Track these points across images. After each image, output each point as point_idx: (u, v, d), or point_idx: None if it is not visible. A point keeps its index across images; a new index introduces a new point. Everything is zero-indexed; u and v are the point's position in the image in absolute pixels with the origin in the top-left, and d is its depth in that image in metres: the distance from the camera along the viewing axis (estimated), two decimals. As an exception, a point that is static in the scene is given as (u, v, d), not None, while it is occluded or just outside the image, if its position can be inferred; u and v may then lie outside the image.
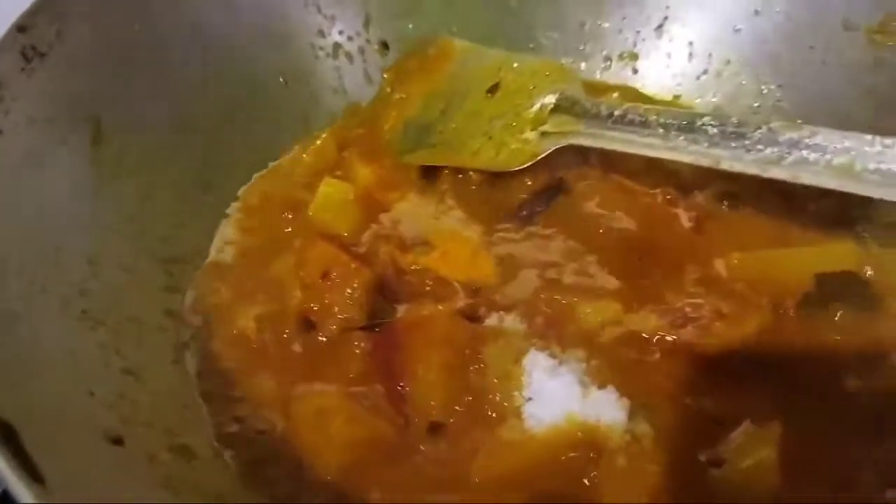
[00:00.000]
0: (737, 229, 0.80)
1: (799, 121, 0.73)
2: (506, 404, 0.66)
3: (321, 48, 0.95)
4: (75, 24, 0.70)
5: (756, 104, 0.93)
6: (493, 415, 0.65)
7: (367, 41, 0.97)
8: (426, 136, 0.89)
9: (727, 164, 0.71)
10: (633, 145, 0.77)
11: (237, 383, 0.69)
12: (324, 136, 0.90)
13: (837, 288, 0.73)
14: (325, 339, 0.71)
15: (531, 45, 0.99)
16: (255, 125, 0.89)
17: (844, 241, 0.78)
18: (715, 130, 0.73)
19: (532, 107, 0.85)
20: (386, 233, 0.80)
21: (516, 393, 0.66)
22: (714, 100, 0.96)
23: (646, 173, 0.84)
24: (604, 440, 0.63)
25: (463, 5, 0.98)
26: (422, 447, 0.64)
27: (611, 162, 0.85)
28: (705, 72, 0.96)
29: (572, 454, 0.63)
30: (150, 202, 0.76)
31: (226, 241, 0.81)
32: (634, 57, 0.99)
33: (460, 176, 0.85)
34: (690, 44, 0.97)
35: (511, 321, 0.71)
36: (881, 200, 0.76)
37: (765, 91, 0.93)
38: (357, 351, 0.69)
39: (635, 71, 0.99)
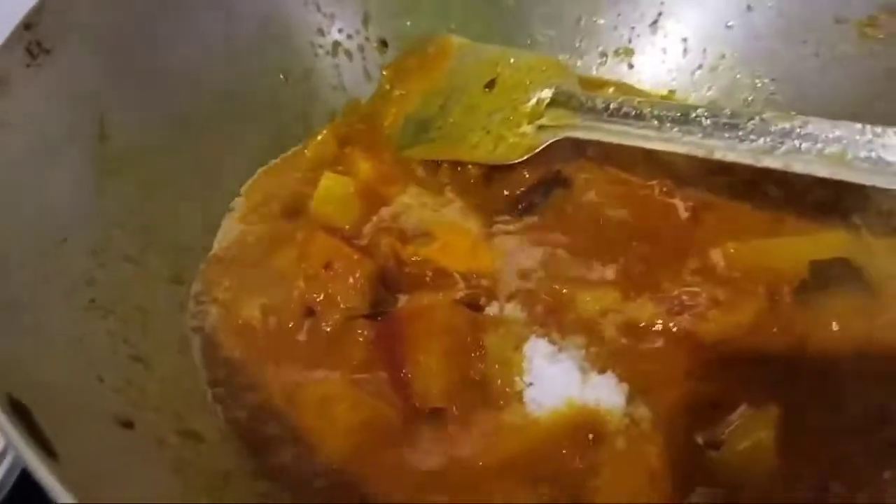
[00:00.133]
0: (732, 219, 0.81)
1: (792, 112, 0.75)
2: (507, 390, 0.67)
3: (321, 46, 0.96)
4: (80, 22, 0.71)
5: (750, 98, 0.94)
6: (495, 400, 0.67)
7: (367, 39, 0.99)
8: (425, 131, 0.90)
9: (721, 154, 0.73)
10: (629, 137, 0.79)
11: (243, 371, 0.70)
12: (324, 131, 0.91)
13: (832, 275, 0.74)
14: (328, 329, 0.72)
15: (528, 42, 1.01)
16: (257, 122, 0.90)
17: (838, 230, 0.79)
18: (708, 122, 0.74)
19: (529, 101, 0.86)
20: (386, 225, 0.81)
21: (517, 378, 0.67)
22: (709, 94, 0.97)
23: (642, 165, 0.86)
24: (603, 424, 0.64)
25: (460, 3, 0.99)
26: (425, 432, 0.65)
27: (607, 155, 0.86)
28: (700, 67, 0.98)
29: (573, 437, 0.64)
30: (154, 197, 0.77)
31: (229, 234, 0.82)
32: (630, 53, 1.00)
33: (459, 169, 0.87)
34: (685, 39, 0.98)
35: (511, 309, 0.72)
36: (874, 189, 0.78)
37: (759, 85, 0.94)
38: (360, 339, 0.70)
39: (631, 66, 1.01)
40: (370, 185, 0.84)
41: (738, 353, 0.70)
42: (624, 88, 0.98)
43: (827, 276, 0.74)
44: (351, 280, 0.73)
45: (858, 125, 0.68)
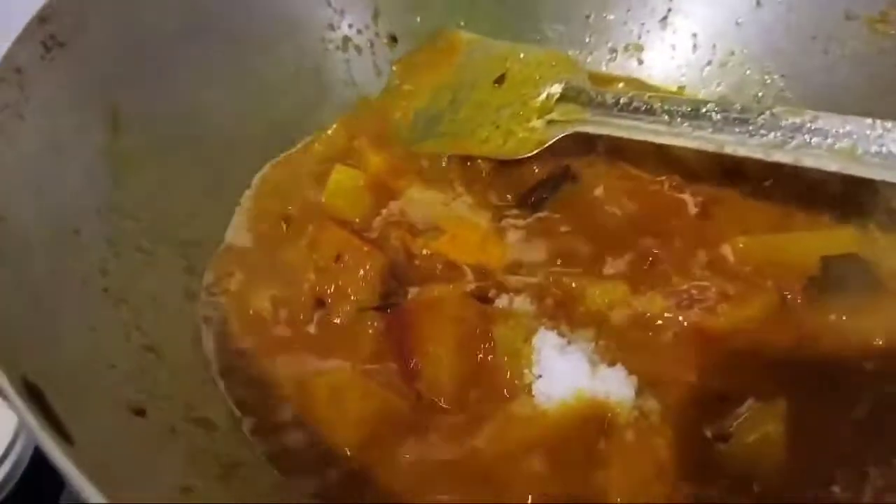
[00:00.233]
0: (742, 215, 0.82)
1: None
2: (516, 381, 0.67)
3: (331, 41, 0.97)
4: (95, 15, 0.71)
5: (760, 94, 0.94)
6: (504, 391, 0.67)
7: (377, 34, 0.99)
8: (435, 126, 0.91)
9: (731, 149, 0.73)
10: (639, 132, 0.79)
11: (253, 362, 0.70)
12: (334, 126, 0.91)
13: (842, 270, 0.74)
14: (338, 320, 0.72)
15: (537, 38, 1.01)
16: (268, 116, 0.90)
17: (848, 226, 0.79)
18: (719, 116, 0.74)
19: (538, 96, 0.86)
20: (396, 219, 0.82)
21: (526, 370, 0.67)
22: (718, 90, 0.97)
23: (652, 160, 0.86)
24: (612, 416, 0.65)
25: (470, -1, 1.00)
26: (434, 423, 0.66)
27: (617, 150, 0.86)
28: (709, 63, 0.98)
29: (582, 429, 0.64)
30: (167, 189, 0.78)
31: (241, 226, 0.83)
32: (639, 48, 1.01)
33: (469, 164, 0.87)
34: (694, 35, 0.98)
35: (520, 302, 0.73)
36: (884, 185, 0.78)
37: (768, 81, 0.94)
38: (370, 331, 0.71)
39: (640, 62, 1.01)
40: (380, 179, 0.85)
41: (747, 346, 0.70)
42: (633, 84, 0.99)
43: (837, 271, 0.74)
44: (361, 272, 0.73)
45: (869, 120, 0.68)
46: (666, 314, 0.72)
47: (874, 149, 0.67)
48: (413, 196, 0.84)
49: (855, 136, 0.68)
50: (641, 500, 0.61)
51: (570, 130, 0.83)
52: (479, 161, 0.87)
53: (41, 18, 0.67)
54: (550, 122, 0.84)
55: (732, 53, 0.96)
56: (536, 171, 0.85)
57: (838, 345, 0.70)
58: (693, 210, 0.82)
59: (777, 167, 0.73)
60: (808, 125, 0.70)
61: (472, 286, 0.75)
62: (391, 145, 0.90)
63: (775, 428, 0.63)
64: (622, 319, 0.72)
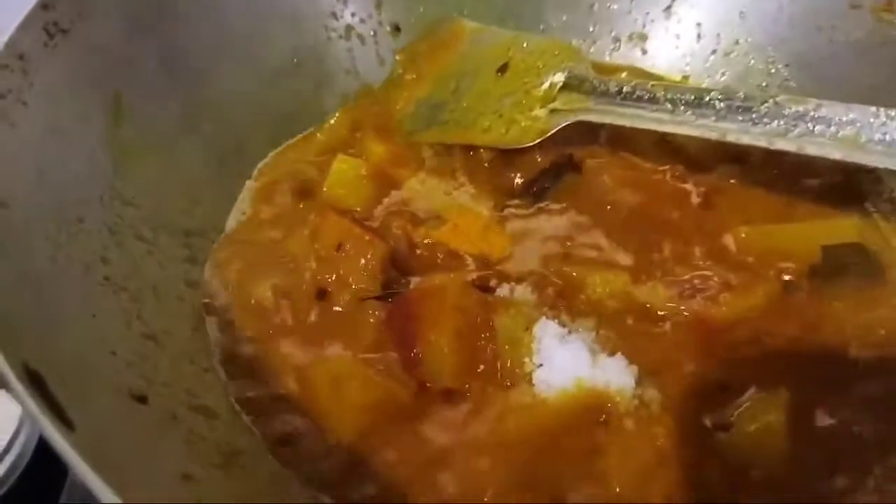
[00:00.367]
0: (745, 205, 0.81)
1: (806, 97, 0.74)
2: (517, 370, 0.67)
3: (334, 30, 0.97)
4: (97, 3, 0.72)
5: (764, 83, 0.94)
6: (505, 380, 0.67)
7: (380, 23, 0.99)
8: (438, 115, 0.90)
9: (734, 137, 0.73)
10: (642, 120, 0.79)
11: (255, 351, 0.70)
12: (337, 115, 0.92)
13: (844, 259, 0.74)
14: (340, 309, 0.72)
15: (541, 27, 1.01)
16: (270, 105, 0.91)
17: (851, 215, 0.79)
18: (722, 105, 0.74)
19: (541, 85, 0.86)
20: (398, 208, 0.82)
21: (527, 359, 0.67)
22: (723, 80, 0.97)
23: (654, 150, 0.86)
24: (613, 405, 0.65)
25: (473, -12, 1.00)
26: (434, 411, 0.66)
27: (620, 140, 0.86)
28: (714, 52, 0.97)
29: (582, 418, 0.64)
30: (169, 177, 0.78)
31: (242, 215, 0.83)
32: (643, 38, 1.00)
33: (471, 153, 0.87)
34: (699, 24, 0.98)
35: (521, 291, 0.72)
36: (887, 174, 0.78)
37: (773, 71, 0.94)
38: (371, 320, 0.71)
39: (644, 52, 1.01)
40: (382, 168, 0.85)
41: (749, 336, 0.70)
42: (637, 74, 0.98)
43: (839, 260, 0.74)
44: (363, 261, 0.73)
45: (872, 108, 0.67)
46: (668, 304, 0.72)
47: (878, 137, 0.67)
48: (415, 185, 0.84)
49: (858, 125, 0.68)
50: (641, 489, 0.61)
51: (572, 119, 0.83)
52: (482, 150, 0.86)
53: (44, 5, 0.67)
54: (553, 111, 0.84)
55: (737, 43, 0.95)
56: (539, 160, 0.85)
57: (840, 334, 0.70)
58: (696, 200, 0.82)
59: (780, 156, 0.73)
60: (812, 113, 0.70)
61: (473, 275, 0.75)
62: (393, 134, 0.90)
63: (776, 417, 0.63)
64: (623, 309, 0.72)
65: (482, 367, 0.68)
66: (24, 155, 0.62)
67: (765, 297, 0.72)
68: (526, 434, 0.64)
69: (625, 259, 0.76)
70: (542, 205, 0.82)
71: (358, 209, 0.81)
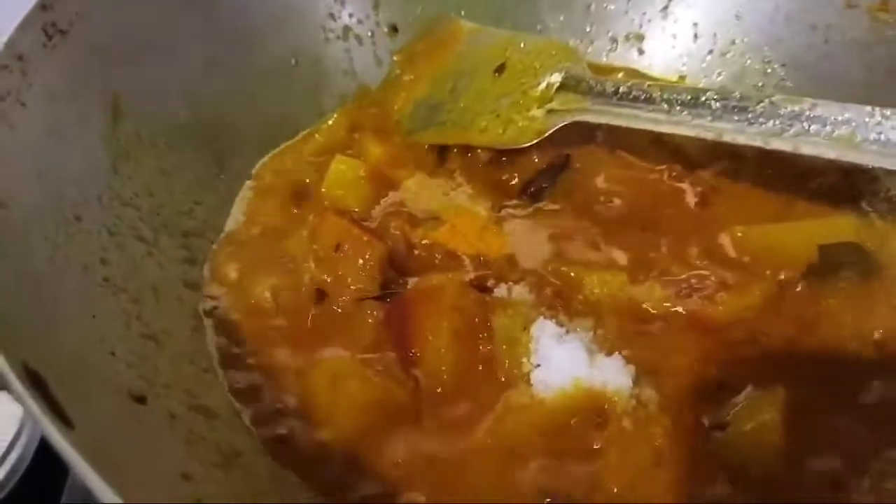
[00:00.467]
0: (741, 204, 0.82)
1: (802, 97, 0.75)
2: (514, 370, 0.67)
3: (331, 31, 0.97)
4: (96, 3, 0.72)
5: (760, 83, 0.94)
6: (503, 380, 0.67)
7: (377, 24, 0.99)
8: (435, 116, 0.91)
9: (730, 137, 0.73)
10: (638, 121, 0.79)
11: (254, 351, 0.71)
12: (335, 116, 0.92)
13: (840, 258, 0.74)
14: (338, 309, 0.73)
15: (538, 27, 1.01)
16: (268, 106, 0.91)
17: (848, 214, 0.79)
18: (718, 105, 0.74)
19: (538, 85, 0.86)
20: (396, 208, 0.82)
21: (524, 359, 0.67)
22: (719, 79, 0.97)
23: (651, 150, 0.86)
24: (610, 405, 0.65)
25: (471, -12, 1.00)
26: (432, 411, 0.66)
27: (617, 140, 0.87)
28: (710, 52, 0.98)
29: (579, 418, 0.65)
30: (167, 178, 0.78)
31: (241, 216, 0.83)
32: (640, 38, 1.01)
33: (469, 154, 0.87)
34: (695, 24, 0.98)
35: (519, 292, 0.73)
36: (883, 173, 0.78)
37: (769, 70, 0.94)
38: (370, 320, 0.71)
39: (641, 52, 1.01)
40: (380, 169, 0.85)
41: (746, 335, 0.70)
42: (633, 74, 0.99)
43: (836, 260, 0.74)
44: (361, 262, 0.73)
45: (868, 108, 0.68)
46: (664, 303, 0.72)
47: (873, 136, 0.67)
48: (413, 186, 0.85)
49: (854, 124, 0.68)
50: (639, 488, 0.61)
51: (569, 120, 0.83)
52: (479, 151, 0.87)
53: (42, 6, 0.67)
54: (550, 111, 0.84)
55: (733, 43, 0.96)
56: (536, 160, 0.85)
57: (836, 333, 0.70)
58: (692, 199, 0.82)
59: (776, 156, 0.73)
60: (807, 113, 0.70)
61: (471, 276, 0.75)
62: (391, 135, 0.90)
63: (772, 416, 0.63)
64: (620, 309, 0.72)
65: (480, 367, 0.68)
66: (23, 156, 0.62)
67: (761, 296, 0.72)
68: (523, 434, 0.64)
69: (622, 259, 0.77)
70: (539, 205, 0.83)
71: (356, 210, 0.81)
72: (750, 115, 0.72)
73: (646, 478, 0.62)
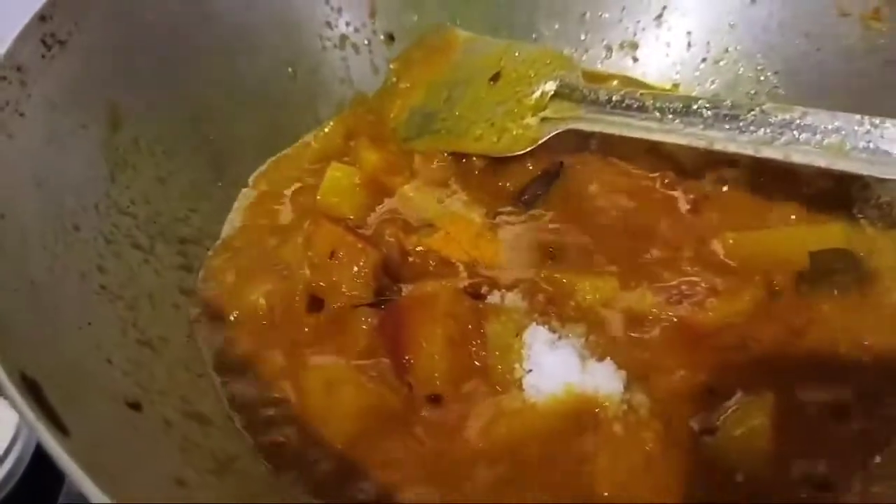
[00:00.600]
0: (733, 211, 0.82)
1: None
2: (507, 376, 0.68)
3: (328, 39, 0.98)
4: (94, 14, 0.73)
5: (753, 91, 0.95)
6: (495, 386, 0.68)
7: (374, 32, 1.00)
8: (430, 124, 0.92)
9: (721, 146, 0.74)
10: (631, 129, 0.80)
11: (249, 357, 0.71)
12: (331, 124, 0.93)
13: (831, 265, 0.74)
14: (332, 315, 0.73)
15: (533, 36, 1.02)
16: (265, 114, 0.92)
17: (839, 221, 0.80)
18: (709, 113, 0.75)
19: (533, 94, 0.87)
20: (391, 216, 0.83)
21: (517, 365, 0.68)
22: (713, 88, 0.98)
23: (644, 158, 0.87)
24: (601, 410, 0.65)
25: (467, -3, 1.01)
26: (426, 416, 0.66)
27: (610, 147, 0.87)
28: (704, 60, 0.98)
29: (571, 423, 0.65)
30: (165, 186, 0.79)
31: (237, 223, 0.84)
32: (634, 46, 1.01)
33: (464, 161, 0.88)
34: (689, 33, 0.99)
35: (512, 298, 0.73)
36: (874, 181, 0.79)
37: (762, 78, 0.95)
38: (364, 326, 0.71)
39: (635, 60, 1.02)
40: (375, 177, 0.86)
41: (736, 341, 0.71)
42: (627, 81, 1.00)
43: (826, 266, 0.75)
44: (355, 269, 0.74)
45: (857, 116, 0.69)
46: (655, 309, 0.73)
47: (862, 144, 0.68)
48: (408, 193, 0.85)
49: (844, 132, 0.69)
50: (630, 493, 0.62)
51: (563, 128, 0.84)
52: (474, 158, 0.88)
53: (41, 17, 0.68)
54: (544, 119, 0.86)
55: (726, 51, 0.97)
56: (530, 168, 0.86)
57: (827, 339, 0.71)
58: (684, 206, 0.83)
59: (768, 163, 0.74)
60: (798, 121, 0.71)
61: (465, 282, 0.76)
62: (387, 143, 0.91)
63: (762, 422, 0.64)
64: (612, 315, 0.73)
65: (473, 372, 0.68)
66: (22, 165, 0.63)
67: (751, 302, 0.72)
68: (516, 439, 0.65)
69: (614, 265, 0.77)
70: (533, 212, 0.84)
71: (351, 217, 0.82)
72: (741, 124, 0.73)
73: (636, 482, 0.62)
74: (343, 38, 0.98)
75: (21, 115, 0.64)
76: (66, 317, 0.60)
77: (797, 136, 0.71)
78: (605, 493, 0.62)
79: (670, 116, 0.77)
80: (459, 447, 0.65)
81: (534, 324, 0.70)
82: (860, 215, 0.81)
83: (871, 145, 0.68)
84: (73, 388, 0.53)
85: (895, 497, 0.61)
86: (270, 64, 0.93)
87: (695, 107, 0.76)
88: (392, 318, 0.71)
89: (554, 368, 0.67)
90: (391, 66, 0.99)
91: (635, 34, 1.01)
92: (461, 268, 0.78)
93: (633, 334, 0.71)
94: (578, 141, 0.87)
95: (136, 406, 0.58)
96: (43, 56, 0.67)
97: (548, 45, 0.98)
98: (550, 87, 0.86)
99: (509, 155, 0.86)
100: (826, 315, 0.73)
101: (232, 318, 0.74)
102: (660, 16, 1.00)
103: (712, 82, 0.98)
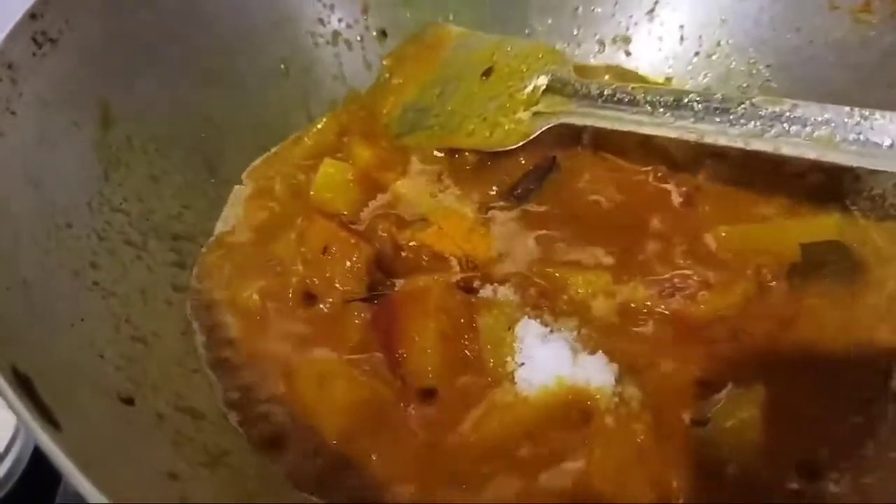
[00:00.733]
0: (725, 204, 0.83)
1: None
2: (499, 369, 0.68)
3: (321, 36, 0.98)
4: (85, 12, 0.73)
5: (746, 84, 0.95)
6: (487, 379, 0.68)
7: (366, 29, 1.00)
8: (423, 119, 0.92)
9: (712, 139, 0.74)
10: (623, 122, 0.80)
11: (242, 352, 0.71)
12: (324, 120, 0.93)
13: (823, 257, 0.75)
14: (326, 311, 0.74)
15: (526, 31, 1.02)
16: (258, 111, 0.92)
17: (831, 214, 0.80)
18: (700, 106, 0.75)
19: (525, 88, 0.87)
20: (384, 211, 0.83)
21: (509, 358, 0.68)
22: (705, 81, 0.98)
23: (637, 152, 0.87)
24: (593, 402, 0.66)
25: (459, -8, 1.01)
26: (419, 410, 0.67)
27: (602, 141, 0.88)
28: (696, 54, 0.98)
29: (562, 415, 0.66)
30: (157, 184, 0.79)
31: (230, 219, 0.84)
32: (627, 40, 1.01)
33: (456, 156, 0.88)
34: (681, 27, 0.99)
35: (505, 292, 0.74)
36: (866, 173, 0.79)
37: (754, 72, 0.95)
38: (357, 321, 0.72)
39: (628, 54, 1.02)
40: (368, 172, 0.86)
41: (727, 333, 0.71)
42: (621, 75, 1.00)
43: (818, 258, 0.75)
44: (348, 264, 0.74)
45: (846, 108, 0.69)
46: (647, 303, 0.73)
47: (852, 136, 0.68)
48: (400, 189, 0.85)
49: (833, 125, 0.69)
50: (621, 484, 0.62)
51: (555, 122, 0.84)
52: (467, 153, 0.88)
53: (32, 15, 0.68)
54: (536, 113, 0.86)
55: (718, 44, 0.97)
56: (523, 162, 0.87)
57: (818, 331, 0.71)
58: (677, 200, 0.83)
59: (760, 156, 0.74)
60: (787, 114, 0.71)
61: (457, 277, 0.76)
62: (380, 139, 0.91)
63: (752, 413, 0.64)
64: (604, 308, 0.73)
65: (465, 366, 0.69)
66: (14, 163, 0.63)
67: (743, 294, 0.73)
68: (508, 431, 0.65)
69: (607, 259, 0.78)
70: (525, 206, 0.84)
71: (345, 212, 0.82)
72: (731, 117, 0.73)
73: (628, 473, 0.62)
74: (336, 34, 0.99)
75: (13, 113, 0.64)
76: (59, 313, 0.60)
77: (787, 128, 0.71)
78: (597, 485, 0.62)
79: (661, 110, 0.77)
80: (452, 440, 0.65)
81: (526, 317, 0.71)
82: (853, 207, 0.81)
83: (861, 137, 0.68)
84: (66, 383, 0.53)
85: (885, 487, 0.62)
86: (263, 61, 0.93)
87: (685, 100, 0.76)
88: (385, 312, 0.72)
89: (546, 361, 0.67)
90: (384, 63, 0.99)
91: (628, 29, 1.01)
92: (454, 262, 0.78)
93: (625, 327, 0.72)
94: (571, 135, 0.87)
95: (128, 401, 0.58)
96: (34, 54, 0.67)
97: (540, 41, 0.98)
98: (542, 81, 0.86)
99: (502, 149, 0.86)
100: (817, 306, 0.73)
101: (225, 315, 0.74)
102: (652, 10, 1.00)
103: (705, 76, 0.98)
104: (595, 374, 0.67)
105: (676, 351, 0.70)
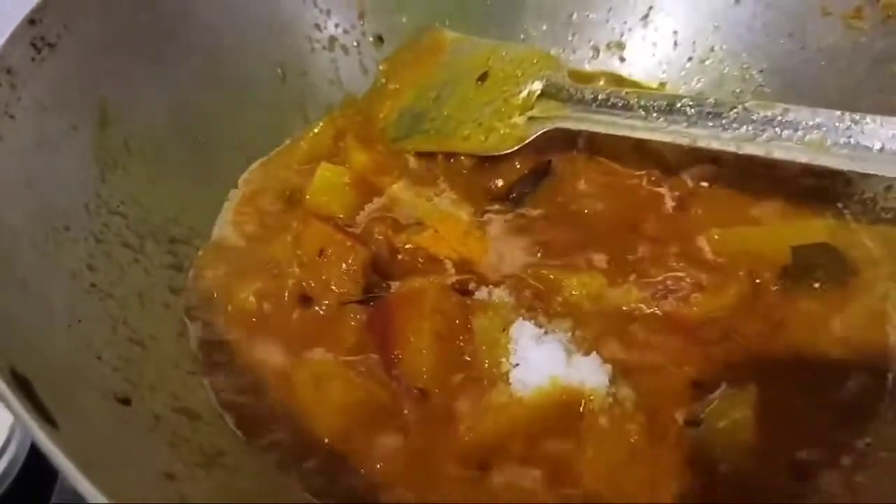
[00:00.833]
0: (718, 207, 0.84)
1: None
2: (494, 370, 0.69)
3: (317, 41, 0.99)
4: (83, 17, 0.73)
5: (739, 90, 0.96)
6: (483, 380, 0.68)
7: (363, 34, 1.01)
8: (419, 124, 0.92)
9: (704, 143, 0.75)
10: (616, 127, 0.81)
11: (239, 354, 0.72)
12: (321, 125, 0.93)
13: (814, 259, 0.76)
14: (322, 313, 0.74)
15: (521, 37, 1.03)
16: (255, 115, 0.92)
17: (823, 217, 0.81)
18: (693, 111, 0.76)
19: (520, 93, 0.88)
20: (380, 214, 0.84)
21: (503, 359, 0.69)
22: (699, 86, 0.99)
23: (631, 156, 0.88)
24: (587, 402, 0.66)
25: (455, -2, 1.02)
26: (414, 411, 0.67)
27: (597, 145, 0.89)
28: (690, 59, 0.99)
29: (557, 416, 0.66)
30: (155, 186, 0.80)
31: (227, 222, 0.85)
32: (621, 46, 1.02)
33: (452, 160, 0.89)
34: (675, 33, 1.00)
35: (499, 294, 0.74)
36: (857, 176, 0.80)
37: (747, 77, 0.96)
38: (353, 323, 0.72)
39: (622, 60, 1.03)
40: (365, 176, 0.87)
41: (720, 335, 0.72)
42: (615, 80, 1.01)
43: (809, 261, 0.76)
44: (344, 266, 0.75)
45: (837, 112, 0.69)
46: (641, 304, 0.74)
47: (843, 140, 0.69)
48: (397, 192, 0.86)
49: (824, 129, 0.70)
50: (615, 485, 0.63)
51: (550, 127, 0.85)
52: (462, 157, 0.89)
53: (31, 20, 0.69)
54: (531, 118, 0.86)
55: (712, 50, 0.98)
56: (518, 166, 0.87)
57: (809, 332, 0.72)
58: (670, 203, 0.84)
59: (753, 160, 0.75)
60: (779, 118, 0.72)
61: (452, 279, 0.76)
62: (376, 143, 0.92)
63: (745, 414, 0.64)
64: (598, 310, 0.73)
65: (460, 367, 0.69)
66: (12, 167, 0.64)
67: (735, 296, 0.73)
68: (503, 432, 0.66)
69: (601, 262, 0.78)
70: (521, 210, 0.84)
71: (341, 216, 0.83)
72: (724, 121, 0.74)
73: (621, 474, 0.63)
74: (332, 39, 0.99)
75: (11, 117, 0.65)
76: (56, 315, 0.61)
77: (779, 132, 0.71)
78: (591, 485, 0.62)
79: (654, 114, 0.78)
80: (447, 440, 0.66)
81: (520, 319, 0.71)
82: (845, 210, 0.82)
83: (852, 141, 0.68)
84: (63, 384, 0.53)
85: (878, 486, 0.62)
86: (260, 66, 0.94)
87: (678, 105, 0.77)
88: (381, 314, 0.72)
89: (540, 363, 0.68)
90: (380, 68, 1.00)
91: (622, 34, 1.02)
92: (449, 265, 0.78)
93: (619, 329, 0.72)
94: (566, 140, 0.88)
95: (125, 401, 0.59)
96: (33, 59, 0.68)
97: (535, 46, 0.99)
98: (537, 86, 0.87)
99: (497, 154, 0.87)
100: (809, 308, 0.74)
101: (222, 317, 0.75)
102: (646, 16, 1.01)
103: (698, 81, 0.99)
104: (589, 374, 0.67)
105: (670, 352, 0.70)
